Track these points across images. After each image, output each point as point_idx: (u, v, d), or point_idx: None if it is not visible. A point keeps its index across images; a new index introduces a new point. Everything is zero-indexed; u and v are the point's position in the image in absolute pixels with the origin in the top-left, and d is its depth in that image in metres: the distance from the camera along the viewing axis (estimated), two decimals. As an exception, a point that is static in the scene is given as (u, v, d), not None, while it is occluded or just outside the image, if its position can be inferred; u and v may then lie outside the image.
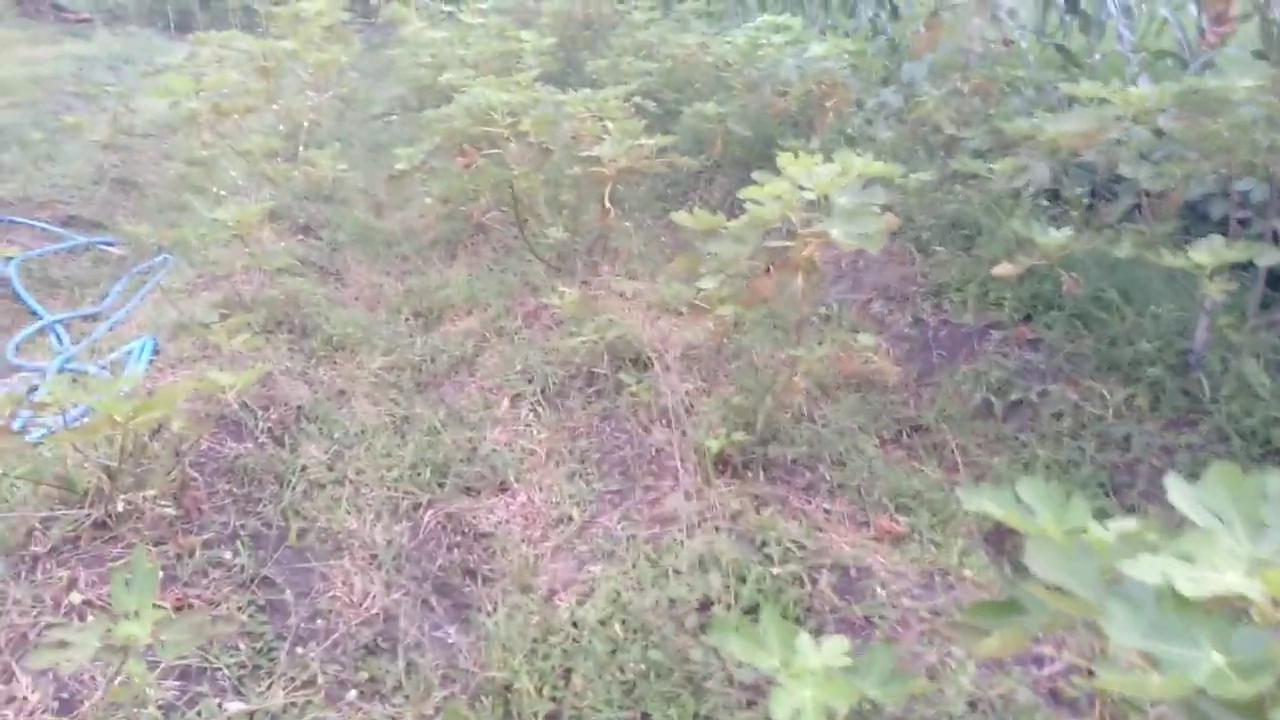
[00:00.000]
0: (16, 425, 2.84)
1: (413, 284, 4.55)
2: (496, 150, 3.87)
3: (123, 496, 2.32)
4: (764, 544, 2.28)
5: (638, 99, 5.03)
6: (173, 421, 2.31)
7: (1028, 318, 3.49)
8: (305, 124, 6.56)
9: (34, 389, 3.53)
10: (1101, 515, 2.58)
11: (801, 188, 2.42)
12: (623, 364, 3.21)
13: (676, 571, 2.22)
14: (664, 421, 2.78)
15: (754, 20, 5.91)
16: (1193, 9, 4.69)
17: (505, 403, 3.36)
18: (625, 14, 8.86)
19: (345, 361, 3.68)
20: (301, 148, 6.41)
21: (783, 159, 2.59)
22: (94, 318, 4.31)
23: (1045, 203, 3.81)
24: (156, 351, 3.55)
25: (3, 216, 5.09)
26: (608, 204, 3.79)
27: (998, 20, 3.78)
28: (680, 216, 3.08)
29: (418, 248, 5.07)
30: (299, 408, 3.14)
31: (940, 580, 2.26)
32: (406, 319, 4.15)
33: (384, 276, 4.72)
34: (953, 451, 3.06)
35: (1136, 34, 5.07)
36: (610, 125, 4.04)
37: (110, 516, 2.31)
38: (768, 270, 2.53)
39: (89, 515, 2.31)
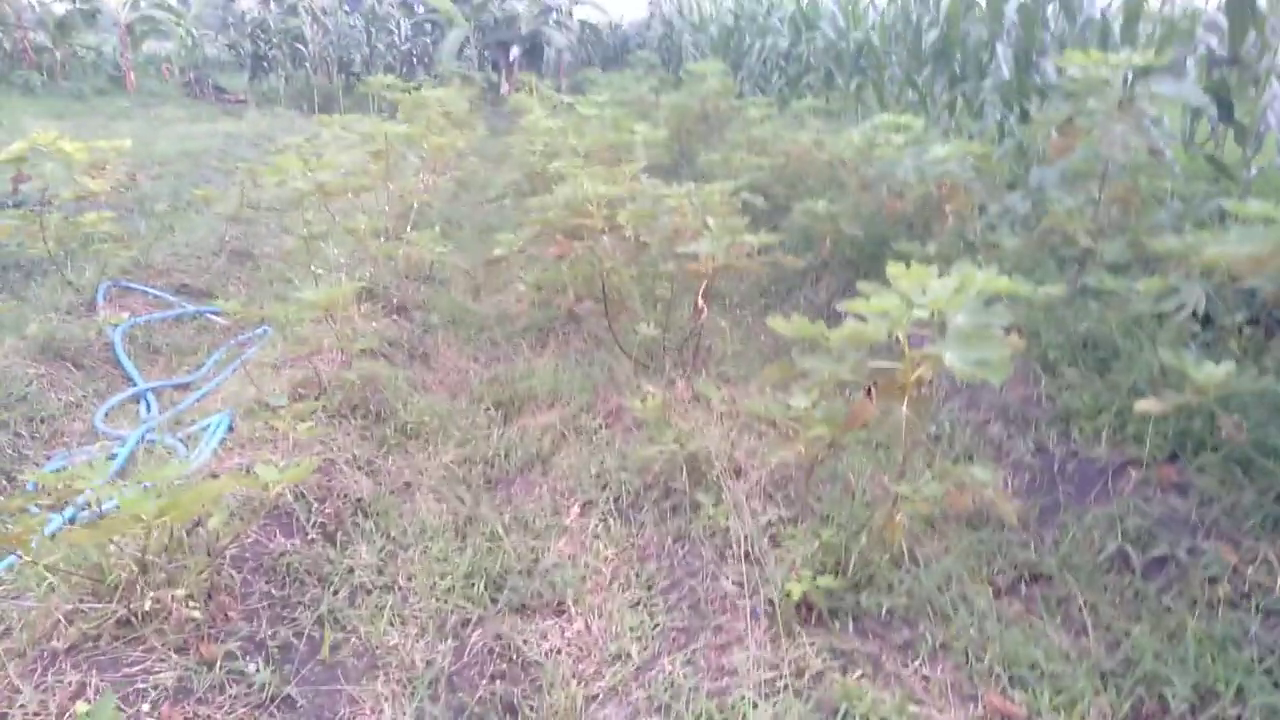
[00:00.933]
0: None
1: (498, 371, 4.41)
2: (592, 242, 3.73)
3: (152, 594, 2.16)
4: (848, 717, 1.92)
5: (746, 194, 4.87)
6: (210, 517, 2.15)
7: (1173, 457, 3.04)
8: (415, 205, 6.67)
9: (111, 458, 3.52)
10: (1272, 715, 2.12)
11: (913, 303, 2.14)
12: (702, 480, 2.93)
13: (741, 743, 1.89)
14: (742, 553, 2.47)
15: (872, 119, 5.72)
16: (1369, 120, 4.23)
17: (575, 510, 3.12)
18: (741, 109, 8.85)
19: (417, 451, 3.53)
20: (409, 228, 6.50)
21: (893, 269, 2.32)
22: (186, 387, 4.32)
23: (1195, 329, 3.37)
24: (231, 429, 3.48)
25: (119, 281, 5.26)
26: (701, 303, 3.57)
27: (1143, 127, 3.44)
28: (777, 323, 2.83)
29: (509, 334, 4.95)
30: (358, 501, 2.97)
31: (1065, 786, 1.85)
32: (487, 409, 3.99)
33: (471, 362, 4.60)
34: (1080, 610, 2.62)
35: (1300, 145, 4.61)
36: (711, 221, 3.86)
37: (135, 615, 2.15)
38: (869, 392, 2.24)
39: (115, 611, 2.15)
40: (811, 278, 5.62)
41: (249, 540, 2.53)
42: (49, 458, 3.52)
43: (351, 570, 2.63)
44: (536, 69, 16.13)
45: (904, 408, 2.06)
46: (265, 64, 16.48)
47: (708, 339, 4.12)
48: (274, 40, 16.14)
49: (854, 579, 2.32)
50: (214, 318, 5.32)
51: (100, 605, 2.17)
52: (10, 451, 3.45)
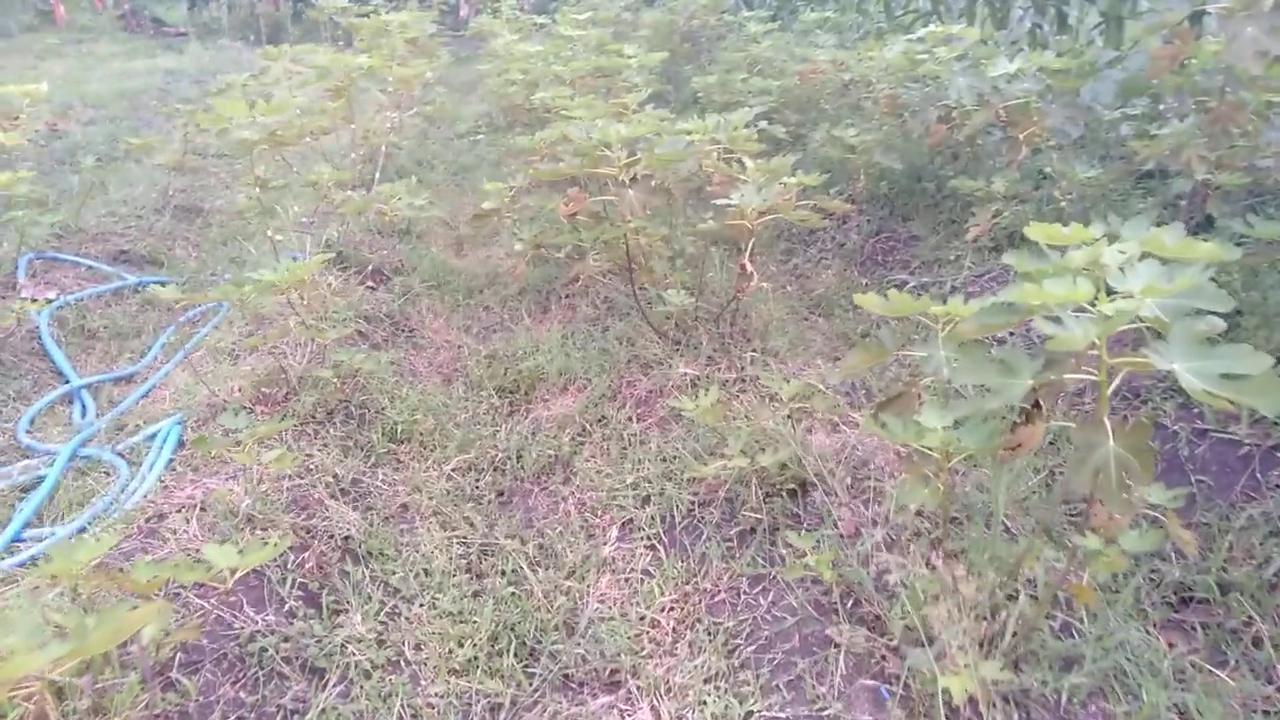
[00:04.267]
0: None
1: (497, 346, 3.77)
2: (609, 196, 3.06)
3: (71, 730, 1.57)
4: None
5: (763, 124, 4.21)
6: (145, 629, 1.54)
7: (1336, 440, 2.51)
8: (383, 147, 5.91)
9: (39, 480, 2.89)
10: None
11: (1109, 289, 1.54)
12: (776, 495, 2.35)
13: None
14: (851, 605, 1.91)
15: (918, 31, 5.01)
16: None
17: (613, 533, 2.54)
18: (737, 24, 8.05)
19: (411, 460, 2.91)
20: (378, 174, 5.76)
21: (1039, 231, 1.71)
22: (129, 379, 3.65)
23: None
24: (181, 442, 2.85)
25: (43, 252, 4.52)
26: (749, 267, 2.93)
27: (1277, 30, 2.82)
28: (866, 299, 2.21)
29: (503, 297, 4.30)
30: (345, 540, 2.37)
31: None
32: (488, 396, 3.37)
33: (463, 335, 3.95)
34: (1260, 645, 2.11)
35: None
36: (748, 162, 3.20)
37: (50, 762, 1.56)
38: (1036, 408, 1.65)
39: (21, 756, 1.56)
40: (837, 217, 4.98)
41: (208, 617, 1.93)
42: (-43, 488, 2.87)
43: (344, 646, 2.04)
44: (497, -13, 15.00)
45: (1108, 442, 1.48)
46: (205, -9, 15.24)
47: (745, 304, 3.50)
48: (213, -35, 14.88)
49: (1012, 651, 1.77)
50: (160, 290, 4.60)
51: (1, 750, 1.57)
52: (-94, 483, 2.79)
